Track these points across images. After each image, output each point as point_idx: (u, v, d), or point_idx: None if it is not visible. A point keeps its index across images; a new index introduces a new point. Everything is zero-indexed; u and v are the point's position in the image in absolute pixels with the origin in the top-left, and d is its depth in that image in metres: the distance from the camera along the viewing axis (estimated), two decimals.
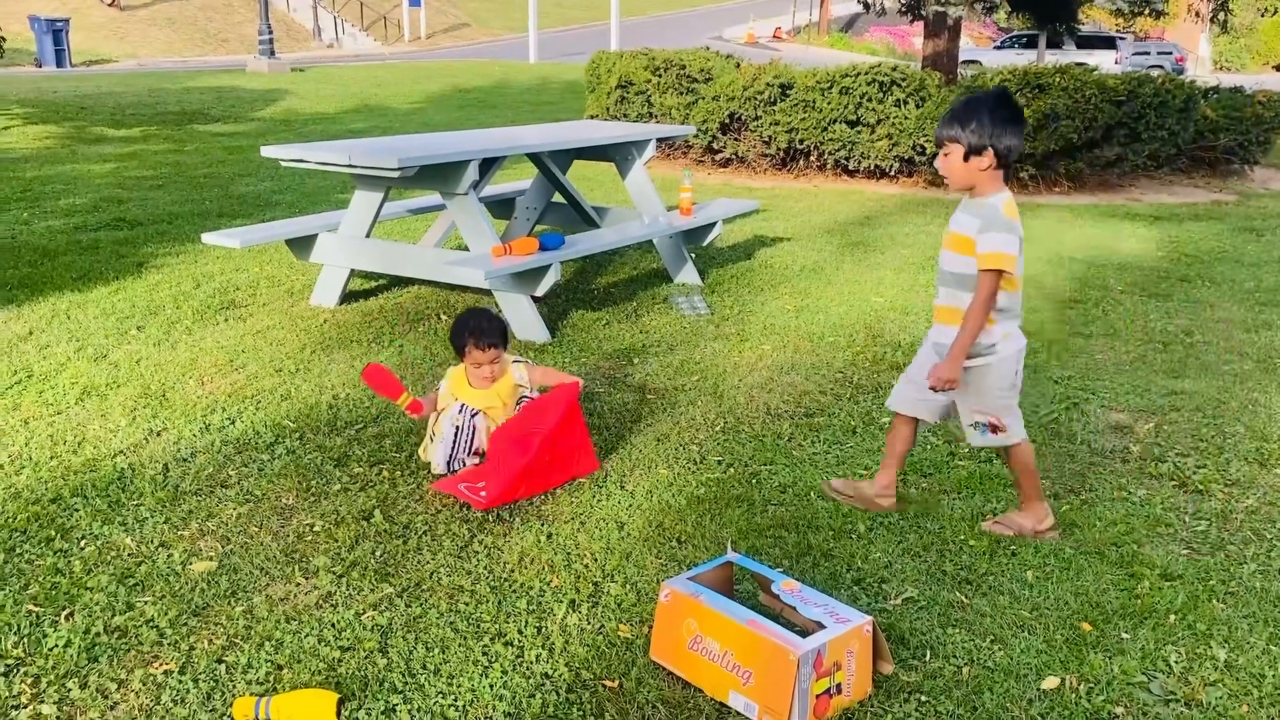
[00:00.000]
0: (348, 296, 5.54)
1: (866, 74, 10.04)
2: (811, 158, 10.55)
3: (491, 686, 2.40)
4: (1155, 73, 10.70)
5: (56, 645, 2.52)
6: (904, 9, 13.38)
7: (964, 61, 19.05)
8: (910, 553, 3.03)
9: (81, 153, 10.92)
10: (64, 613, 2.66)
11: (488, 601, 2.74)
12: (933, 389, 2.97)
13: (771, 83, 10.28)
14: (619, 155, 6.10)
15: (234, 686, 2.39)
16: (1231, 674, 2.50)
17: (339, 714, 2.29)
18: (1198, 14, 20.25)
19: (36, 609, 2.67)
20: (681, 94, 10.94)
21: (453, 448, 3.50)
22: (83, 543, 3.01)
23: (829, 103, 10.09)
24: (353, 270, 5.45)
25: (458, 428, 3.52)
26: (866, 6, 15.18)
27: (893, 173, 10.23)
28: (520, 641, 2.57)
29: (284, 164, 5.06)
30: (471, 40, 37.87)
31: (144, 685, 2.39)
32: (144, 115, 14.21)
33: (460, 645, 2.55)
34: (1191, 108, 10.33)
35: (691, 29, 40.65)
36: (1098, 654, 2.55)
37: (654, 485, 3.43)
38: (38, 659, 2.48)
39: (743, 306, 5.61)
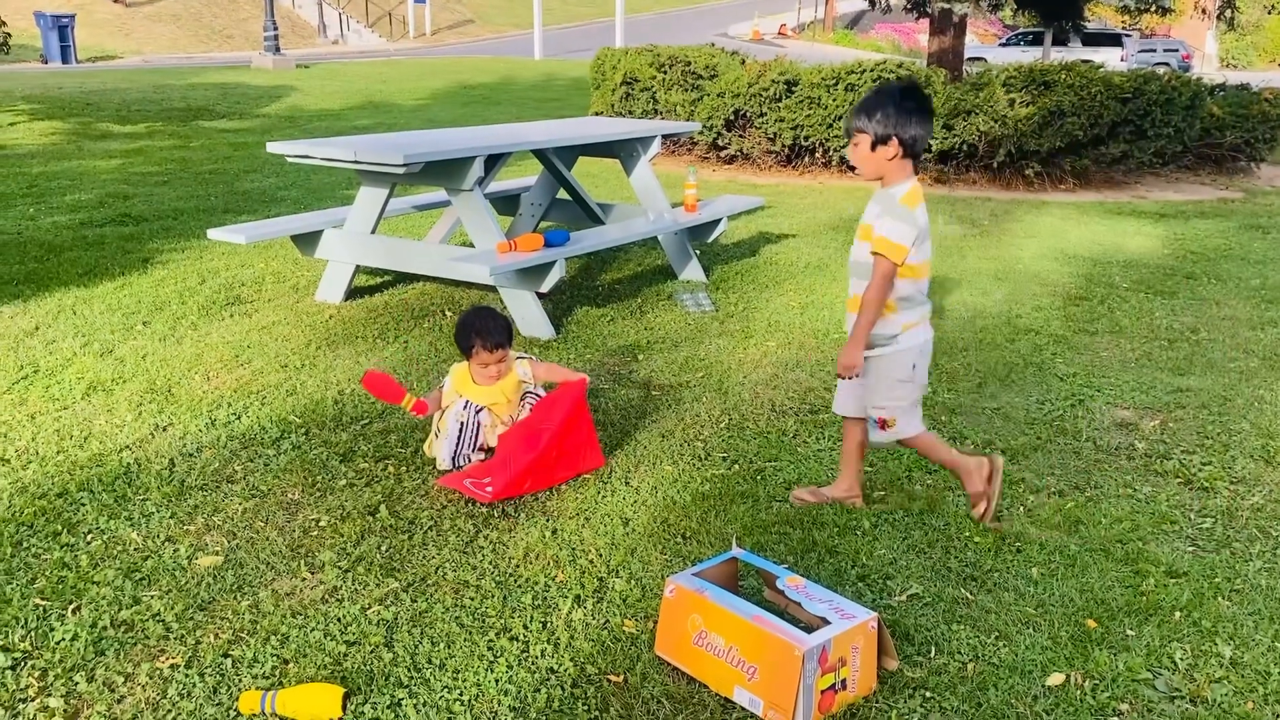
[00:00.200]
0: (353, 292, 5.55)
1: (872, 71, 10.04)
2: (816, 154, 10.54)
3: (497, 681, 2.40)
4: (1161, 70, 10.67)
5: (64, 639, 2.53)
6: (909, 6, 13.35)
7: (969, 59, 19.01)
8: (915, 549, 3.03)
9: (87, 149, 10.94)
10: (71, 606, 2.67)
11: (493, 596, 2.75)
12: (840, 377, 3.00)
13: (777, 79, 10.27)
14: (624, 152, 6.10)
15: (240, 680, 2.40)
16: (1237, 671, 2.50)
17: (345, 708, 2.30)
18: (1204, 11, 20.20)
19: (44, 603, 2.68)
20: (686, 90, 10.93)
21: (457, 443, 3.50)
22: (89, 537, 3.02)
23: (834, 100, 10.08)
24: (358, 266, 5.45)
25: (462, 424, 3.52)
26: (872, 3, 15.14)
27: None
28: (525, 636, 2.58)
29: (289, 160, 5.06)
30: (476, 37, 37.87)
31: (151, 679, 2.40)
32: (149, 111, 14.22)
33: (465, 640, 2.56)
34: (1198, 105, 10.31)
35: (696, 26, 40.62)
36: (1103, 650, 2.55)
37: (659, 481, 3.44)
38: (45, 652, 2.49)
39: (747, 303, 5.61)
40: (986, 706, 2.35)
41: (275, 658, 2.48)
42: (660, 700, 2.35)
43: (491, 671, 2.44)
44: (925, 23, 13.50)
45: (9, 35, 14.14)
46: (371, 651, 2.51)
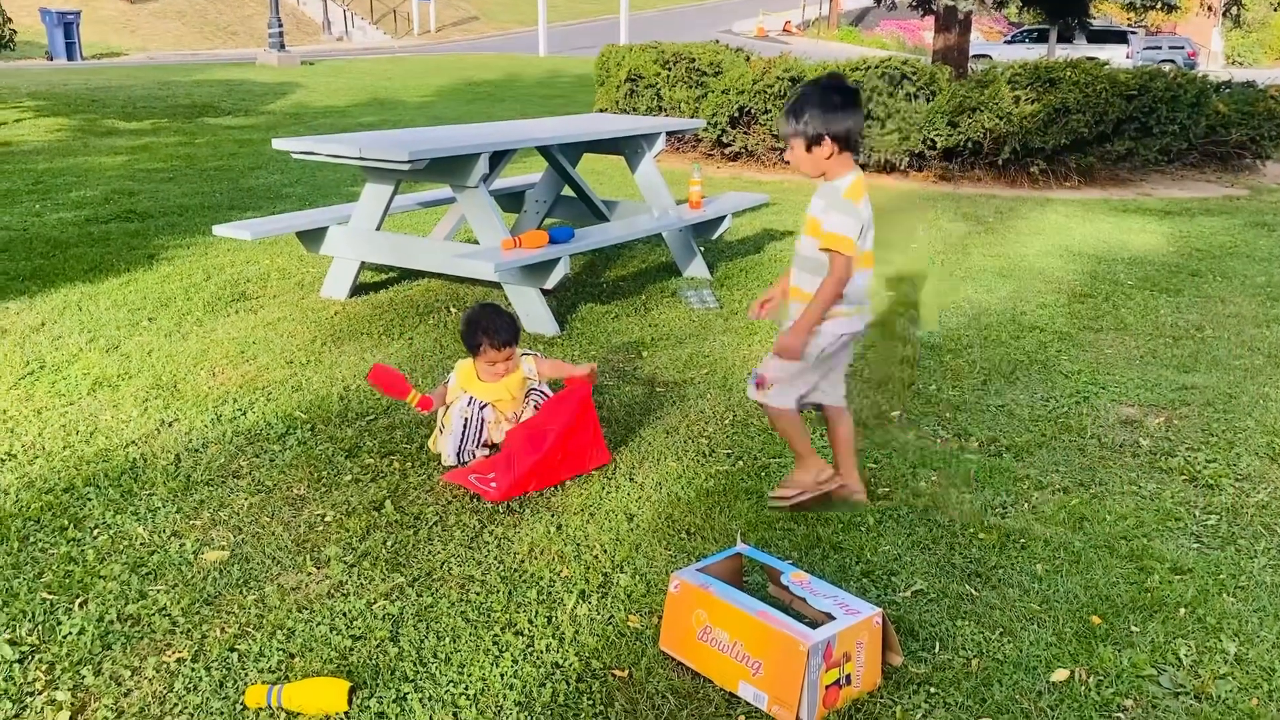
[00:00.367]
0: (358, 289, 5.55)
1: (877, 68, 10.02)
2: None
3: (502, 675, 2.41)
4: (1167, 67, 10.64)
5: (70, 633, 2.54)
6: (915, 3, 13.34)
7: (974, 56, 19.00)
8: (919, 545, 3.03)
9: (93, 145, 10.96)
10: (78, 601, 2.68)
11: (498, 591, 2.75)
12: (777, 355, 3.02)
13: (781, 76, 10.26)
14: (628, 149, 6.10)
15: (246, 675, 2.41)
16: (1241, 667, 2.50)
17: (350, 702, 2.30)
18: (1210, 8, 20.16)
19: (50, 597, 2.69)
20: (691, 87, 10.93)
21: (461, 439, 3.51)
22: (96, 532, 3.03)
23: None
24: (363, 263, 5.46)
25: (466, 420, 3.53)
26: (877, 0, 15.13)
27: (903, 167, 10.21)
28: (530, 631, 2.59)
29: (295, 156, 5.07)
30: (481, 34, 37.85)
31: (157, 673, 2.41)
32: (155, 108, 14.24)
33: (471, 634, 2.57)
34: (1203, 102, 10.29)
35: (701, 23, 40.58)
36: (1107, 647, 2.55)
37: (663, 477, 3.44)
38: (52, 646, 2.50)
39: (752, 300, 5.59)
40: (991, 702, 2.35)
41: (281, 652, 2.49)
42: (665, 695, 2.36)
43: (497, 666, 2.44)
44: (930, 20, 13.49)
45: (15, 32, 14.15)
46: (377, 646, 2.52)
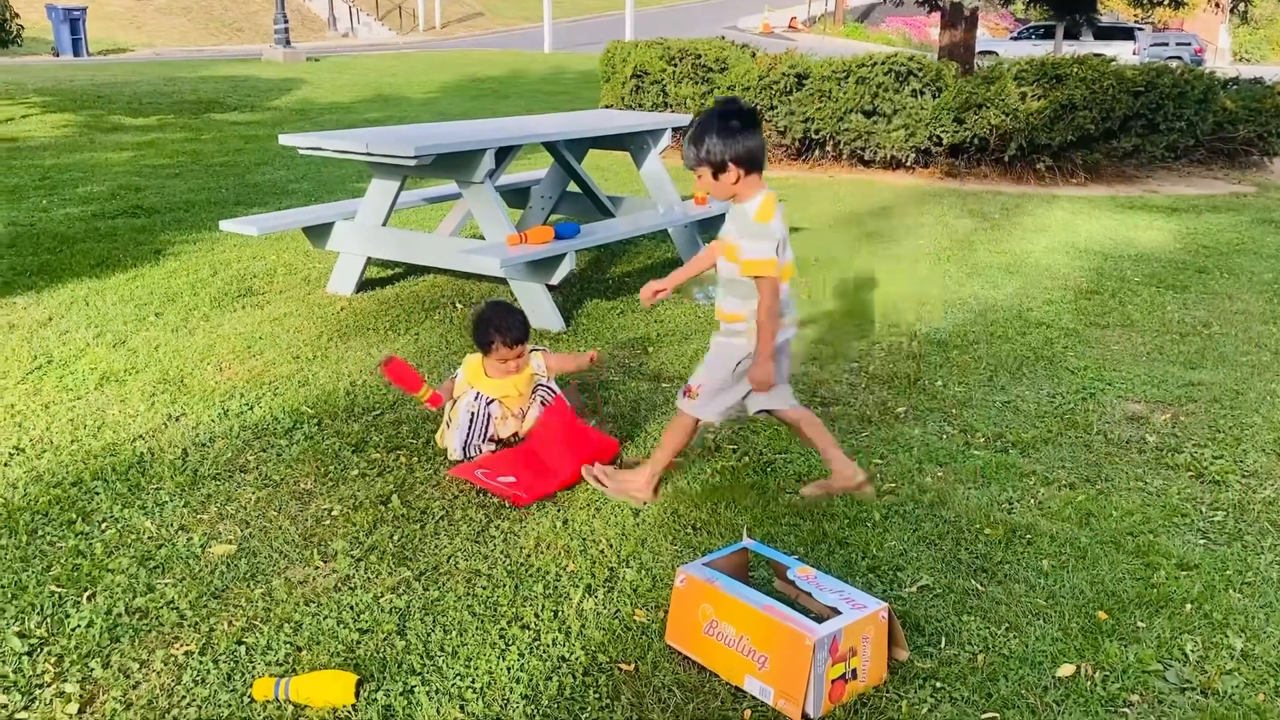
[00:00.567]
0: (364, 284, 5.56)
1: (883, 64, 10.00)
2: (827, 148, 10.52)
3: (509, 669, 2.42)
4: (1174, 64, 10.61)
5: (79, 625, 2.55)
6: (922, 0, 13.31)
7: (980, 52, 18.96)
8: (925, 541, 3.03)
9: (99, 141, 10.98)
10: (86, 594, 2.69)
11: (505, 585, 2.76)
12: (755, 389, 3.06)
13: (787, 72, 10.26)
14: (634, 144, 6.10)
15: (254, 667, 2.42)
16: (1248, 663, 2.50)
17: (358, 695, 2.31)
18: (1217, 5, 20.10)
19: (59, 590, 2.70)
20: (697, 83, 10.92)
21: (468, 434, 3.52)
22: (103, 525, 3.04)
23: (845, 93, 10.06)
24: (369, 258, 5.47)
25: (473, 414, 3.54)
26: None
27: (909, 163, 10.20)
28: (537, 625, 2.59)
29: (302, 152, 5.08)
30: (486, 30, 37.86)
31: (165, 665, 2.42)
32: (161, 104, 14.26)
33: (478, 628, 2.57)
34: (1210, 99, 10.25)
35: (706, 19, 40.54)
36: (1113, 642, 2.55)
37: (668, 473, 3.44)
38: (61, 638, 2.51)
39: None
40: (997, 697, 2.35)
41: (288, 645, 2.50)
42: (671, 689, 2.36)
43: (503, 659, 2.45)
44: (936, 16, 13.46)
45: (22, 28, 14.17)
46: (384, 639, 2.52)
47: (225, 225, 5.36)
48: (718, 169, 2.93)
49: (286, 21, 22.89)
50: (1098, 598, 2.75)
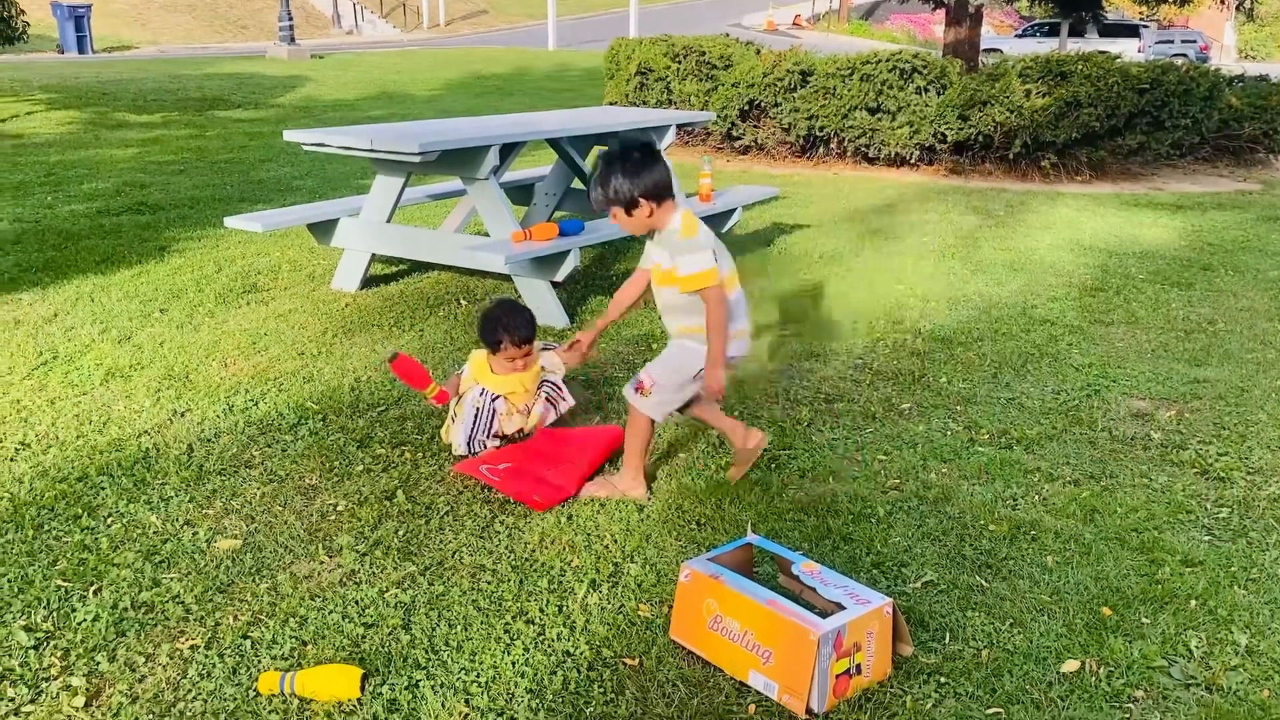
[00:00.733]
0: (369, 281, 5.57)
1: (887, 61, 9.99)
2: (831, 145, 10.51)
3: (514, 663, 2.42)
4: (1179, 61, 10.59)
5: (85, 619, 2.56)
6: None
7: (985, 50, 18.92)
8: (929, 537, 3.03)
9: (104, 138, 10.99)
10: (92, 588, 2.70)
11: (509, 580, 2.77)
12: (710, 399, 3.09)
13: (791, 70, 10.25)
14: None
15: (259, 661, 2.42)
16: (1253, 659, 2.50)
17: (363, 689, 2.32)
18: (1223, 2, 20.05)
19: (65, 584, 2.71)
20: (701, 81, 10.91)
21: (472, 429, 3.52)
22: (109, 520, 3.05)
23: (849, 90, 10.05)
24: (373, 255, 5.47)
25: (478, 410, 3.54)
26: None
27: (913, 160, 10.19)
28: (542, 620, 2.60)
29: (306, 148, 5.08)
30: (490, 27, 37.85)
31: (171, 659, 2.43)
32: (165, 101, 14.28)
33: (482, 623, 2.58)
34: (1216, 96, 10.22)
35: (711, 16, 40.50)
36: (1118, 638, 2.55)
37: (673, 469, 3.45)
38: (67, 632, 2.52)
39: (761, 293, 5.61)
40: (1001, 692, 2.35)
41: (294, 639, 2.50)
42: (675, 683, 2.37)
43: (508, 654, 2.46)
44: (941, 13, 13.44)
45: (27, 25, 14.19)
46: (389, 633, 2.53)
47: (230, 222, 5.37)
48: (629, 206, 2.98)
49: (291, 19, 22.90)
50: (1102, 594, 2.75)
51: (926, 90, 9.93)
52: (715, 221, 6.10)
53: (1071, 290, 5.82)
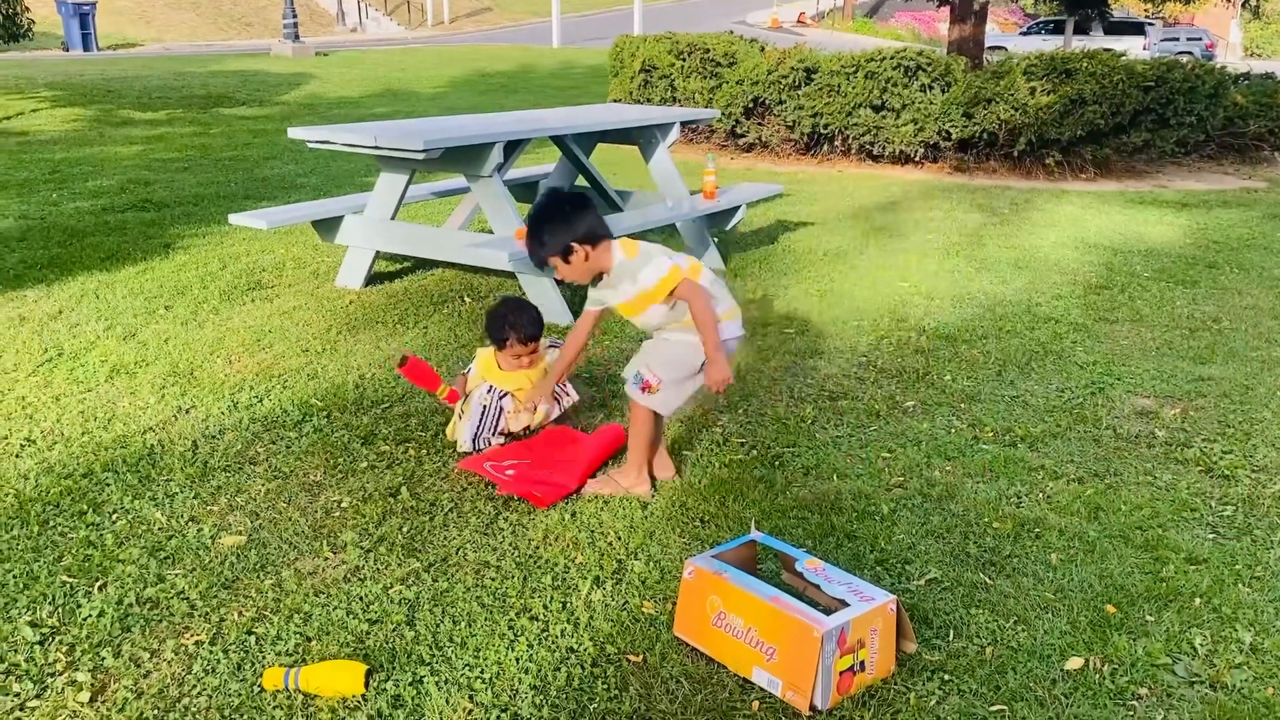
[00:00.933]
0: (373, 278, 5.57)
1: (892, 59, 9.98)
2: (836, 143, 10.50)
3: (517, 660, 2.43)
4: (1184, 58, 10.57)
5: (90, 615, 2.57)
6: None
7: (990, 47, 18.90)
8: (933, 534, 3.03)
9: (109, 135, 11.01)
10: (97, 584, 2.70)
11: (513, 577, 2.77)
12: (716, 390, 3.07)
13: (796, 67, 10.24)
14: (643, 139, 6.10)
15: (264, 657, 2.43)
16: (1257, 657, 2.50)
17: (367, 685, 2.32)
18: None
19: (70, 580, 2.72)
20: (705, 78, 10.91)
21: (478, 426, 3.53)
22: (114, 516, 3.06)
23: (854, 87, 10.04)
24: (378, 252, 5.48)
25: (485, 407, 3.55)
26: None
27: (918, 158, 10.17)
28: (545, 616, 2.60)
29: (311, 145, 5.09)
30: (494, 25, 37.84)
31: (176, 655, 2.43)
32: (170, 98, 14.29)
33: (486, 619, 2.58)
34: (1221, 94, 10.21)
35: (715, 14, 40.45)
36: (1122, 636, 2.55)
37: (676, 466, 3.45)
38: (72, 628, 2.52)
39: (766, 290, 5.61)
40: (1005, 689, 2.35)
41: (298, 635, 2.51)
42: (679, 680, 2.37)
43: (512, 650, 2.46)
44: (946, 11, 13.43)
45: (32, 22, 14.21)
46: (393, 630, 2.53)
47: (234, 219, 5.37)
48: (565, 254, 3.01)
49: (295, 16, 22.90)
50: (1106, 591, 2.75)
51: (931, 88, 9.92)
52: (719, 219, 6.10)
53: (1076, 288, 5.81)
